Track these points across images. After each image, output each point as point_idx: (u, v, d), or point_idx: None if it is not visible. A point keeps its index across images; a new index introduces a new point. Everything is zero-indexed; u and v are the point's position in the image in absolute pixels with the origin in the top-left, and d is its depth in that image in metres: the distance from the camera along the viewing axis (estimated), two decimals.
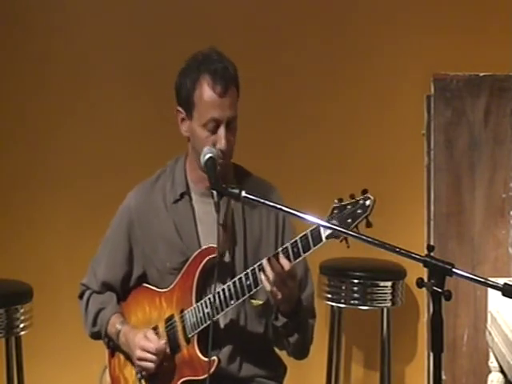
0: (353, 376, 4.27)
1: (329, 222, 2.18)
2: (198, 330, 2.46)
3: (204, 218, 2.52)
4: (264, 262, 2.32)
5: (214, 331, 2.37)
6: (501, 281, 1.86)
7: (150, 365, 2.49)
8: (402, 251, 1.91)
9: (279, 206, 2.17)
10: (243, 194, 2.21)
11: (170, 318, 2.53)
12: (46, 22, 4.21)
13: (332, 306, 3.91)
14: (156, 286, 2.59)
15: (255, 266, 2.36)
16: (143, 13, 4.21)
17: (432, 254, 1.86)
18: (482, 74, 3.92)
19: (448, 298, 1.80)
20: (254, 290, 2.38)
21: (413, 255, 1.89)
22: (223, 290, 2.41)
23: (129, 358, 2.59)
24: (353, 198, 2.23)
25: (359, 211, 2.21)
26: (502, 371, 3.16)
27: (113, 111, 4.20)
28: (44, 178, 4.23)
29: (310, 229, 2.26)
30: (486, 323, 3.31)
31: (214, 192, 2.29)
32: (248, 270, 2.38)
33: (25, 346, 3.72)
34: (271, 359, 2.65)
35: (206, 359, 2.43)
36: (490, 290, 3.07)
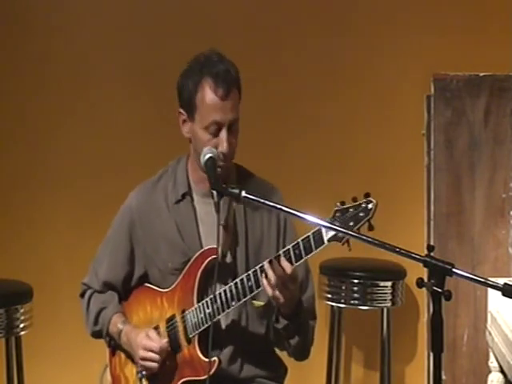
0: (353, 376, 4.27)
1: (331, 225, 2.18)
2: (199, 330, 2.46)
3: (205, 219, 2.52)
4: (266, 264, 2.32)
5: (215, 332, 2.37)
6: (501, 281, 1.86)
7: (154, 364, 2.50)
8: (402, 251, 1.91)
9: (279, 207, 2.17)
10: (243, 194, 2.20)
11: (172, 318, 2.53)
12: (46, 22, 4.21)
13: (332, 306, 3.91)
14: (158, 286, 2.59)
15: (257, 267, 2.36)
16: (143, 13, 4.20)
17: (432, 254, 1.86)
18: (482, 74, 3.92)
19: (448, 298, 1.80)
20: (256, 292, 2.38)
21: (413, 255, 1.89)
22: (224, 290, 2.41)
23: (129, 356, 2.59)
24: (355, 201, 2.22)
25: (361, 214, 2.20)
26: (502, 371, 3.16)
27: (113, 111, 4.20)
28: (44, 178, 4.23)
29: (312, 231, 2.25)
30: (486, 323, 3.31)
31: (214, 192, 2.29)
32: (249, 272, 2.38)
33: (25, 346, 3.72)
34: (272, 360, 2.65)
35: (206, 359, 2.43)
36: (489, 289, 3.07)
